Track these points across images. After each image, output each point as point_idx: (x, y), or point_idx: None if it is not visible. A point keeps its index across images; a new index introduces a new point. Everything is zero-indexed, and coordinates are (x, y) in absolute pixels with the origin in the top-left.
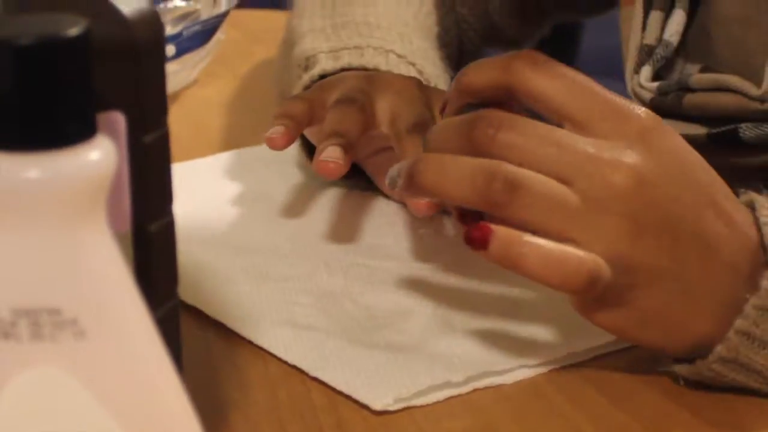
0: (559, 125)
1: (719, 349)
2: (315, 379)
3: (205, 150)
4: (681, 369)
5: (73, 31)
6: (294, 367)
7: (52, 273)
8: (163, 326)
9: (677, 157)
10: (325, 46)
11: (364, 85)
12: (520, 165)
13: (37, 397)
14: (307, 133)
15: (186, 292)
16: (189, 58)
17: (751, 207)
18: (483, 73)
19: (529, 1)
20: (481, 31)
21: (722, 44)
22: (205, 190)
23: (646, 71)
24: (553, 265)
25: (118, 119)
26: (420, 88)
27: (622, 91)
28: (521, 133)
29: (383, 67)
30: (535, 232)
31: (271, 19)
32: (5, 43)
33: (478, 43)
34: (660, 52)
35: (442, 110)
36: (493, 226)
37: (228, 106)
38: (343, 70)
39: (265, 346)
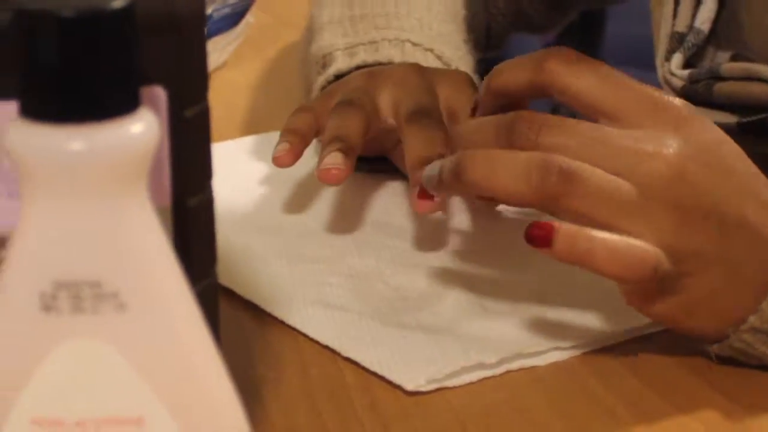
0: (595, 121)
1: (752, 320)
2: (347, 359)
3: (234, 132)
4: (713, 346)
5: (117, 3)
6: (326, 347)
7: (93, 246)
8: (202, 302)
9: (715, 146)
10: (341, 42)
11: (364, 82)
12: None
13: (77, 370)
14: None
15: (219, 272)
16: (219, 40)
17: None
18: (516, 74)
19: None
20: (510, 17)
21: (753, 33)
22: (233, 173)
23: (677, 59)
24: (620, 259)
25: (160, 93)
26: (420, 74)
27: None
28: (562, 132)
29: (398, 59)
30: (586, 225)
31: (300, 2)
32: (49, 15)
33: (507, 28)
34: (691, 39)
35: (473, 113)
36: (556, 223)
37: (256, 89)
38: (358, 67)
39: (298, 326)
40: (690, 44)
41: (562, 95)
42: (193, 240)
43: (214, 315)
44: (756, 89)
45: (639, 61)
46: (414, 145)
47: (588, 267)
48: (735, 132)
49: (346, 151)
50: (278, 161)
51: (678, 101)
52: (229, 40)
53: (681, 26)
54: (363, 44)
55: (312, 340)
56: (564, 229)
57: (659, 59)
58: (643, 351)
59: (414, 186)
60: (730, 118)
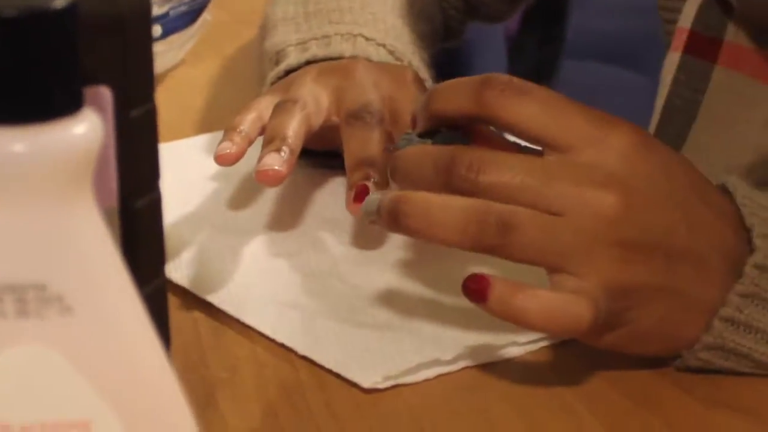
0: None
1: (704, 338)
2: (303, 358)
3: (191, 130)
4: (671, 362)
5: (59, 3)
6: (282, 346)
7: (37, 248)
8: (150, 304)
9: (660, 168)
10: (294, 38)
11: (310, 80)
12: (506, 204)
13: (22, 374)
14: None
15: (173, 271)
16: (175, 38)
17: (724, 189)
18: (453, 101)
19: None
20: (462, 8)
21: None
22: (191, 171)
23: None
24: (556, 317)
25: (105, 94)
26: (366, 71)
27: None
28: (501, 172)
29: (349, 53)
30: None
31: (258, 0)
32: None
33: (461, 20)
34: None
35: (413, 124)
36: (491, 278)
37: (214, 87)
38: (308, 62)
39: (253, 325)
40: None
41: (503, 127)
42: (141, 241)
43: (163, 316)
44: None
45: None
46: (352, 146)
47: (522, 325)
48: None
49: (285, 152)
50: (220, 160)
51: (625, 125)
52: (186, 38)
53: None
54: (315, 39)
55: (267, 338)
56: (498, 286)
57: None
58: None
59: (350, 189)
60: None
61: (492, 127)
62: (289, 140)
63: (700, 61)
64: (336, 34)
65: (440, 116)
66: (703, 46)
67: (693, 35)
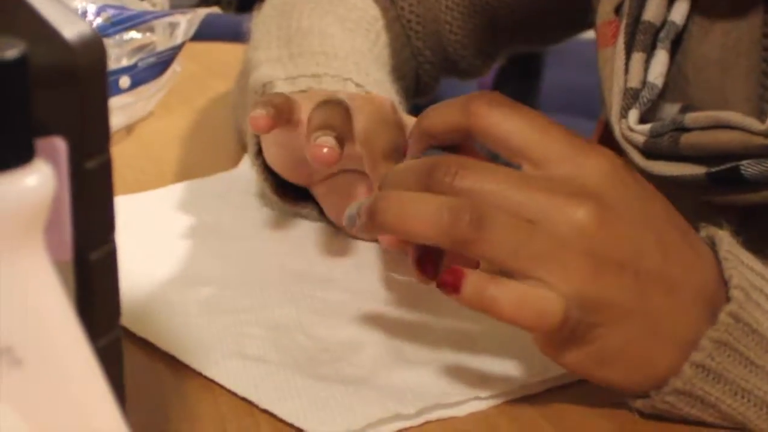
0: (518, 166)
1: (674, 382)
2: (265, 412)
3: (161, 182)
4: (636, 402)
5: (11, 53)
6: (244, 399)
7: None
8: (105, 356)
9: (637, 193)
10: (282, 73)
11: (343, 96)
12: None
13: None
14: (271, 159)
15: (136, 323)
16: (144, 90)
17: (712, 242)
18: (442, 116)
19: (484, 34)
20: (437, 64)
21: (700, 88)
22: (159, 222)
23: (634, 114)
24: (526, 308)
25: (59, 145)
26: (395, 111)
27: (585, 129)
28: (478, 177)
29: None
30: (500, 271)
31: (228, 51)
32: None
33: (435, 75)
34: (646, 95)
35: (404, 152)
36: (466, 270)
37: (183, 138)
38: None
39: (215, 377)
40: (645, 99)
41: (486, 137)
42: (96, 294)
43: (118, 369)
44: (723, 137)
45: (577, 109)
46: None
47: (495, 315)
48: (704, 183)
49: (337, 139)
50: (256, 122)
51: (601, 148)
52: (155, 89)
53: (634, 82)
54: (305, 76)
55: (229, 392)
56: (472, 276)
57: (614, 116)
58: (563, 401)
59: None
60: (698, 170)
61: (478, 145)
62: (340, 131)
63: None
64: (326, 74)
65: (431, 132)
66: None
67: None
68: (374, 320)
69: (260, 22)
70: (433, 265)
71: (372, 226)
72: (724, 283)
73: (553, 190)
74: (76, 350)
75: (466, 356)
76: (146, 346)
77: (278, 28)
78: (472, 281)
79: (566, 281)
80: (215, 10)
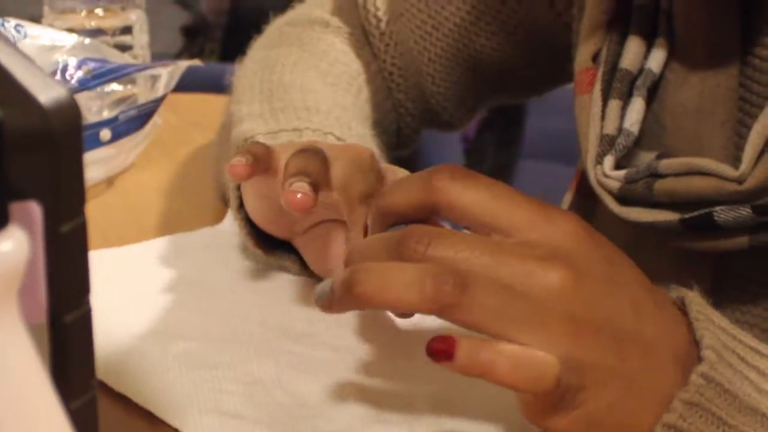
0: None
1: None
2: None
3: (141, 234)
4: None
5: None
6: None
7: None
8: (80, 418)
9: (605, 256)
10: (263, 128)
11: (322, 145)
12: None
13: None
14: (252, 211)
15: (113, 377)
16: (125, 142)
17: (682, 302)
18: (403, 193)
19: (466, 87)
20: (418, 116)
21: (676, 136)
22: (139, 276)
23: (609, 161)
24: (523, 370)
25: (34, 209)
26: (373, 159)
27: (568, 176)
28: (452, 245)
29: None
30: (484, 334)
31: (209, 103)
32: None
33: (416, 127)
34: (622, 141)
35: (365, 233)
36: (456, 336)
37: (164, 190)
38: None
39: None
40: (621, 146)
41: (451, 212)
42: (71, 356)
43: (93, 430)
44: (697, 183)
45: (560, 156)
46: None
47: (490, 379)
48: (678, 229)
49: (312, 185)
50: (234, 169)
51: (567, 213)
52: (136, 141)
53: (610, 128)
54: (286, 131)
55: None
56: (465, 342)
57: (590, 162)
58: None
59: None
60: (672, 216)
61: (442, 222)
62: (315, 178)
63: None
64: (307, 128)
65: (391, 211)
66: None
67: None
68: (353, 377)
69: (243, 75)
70: None
71: (349, 299)
72: (696, 343)
73: (524, 255)
74: (50, 415)
75: (444, 418)
76: (123, 400)
77: (261, 82)
78: (465, 347)
79: (550, 344)
80: (196, 62)
